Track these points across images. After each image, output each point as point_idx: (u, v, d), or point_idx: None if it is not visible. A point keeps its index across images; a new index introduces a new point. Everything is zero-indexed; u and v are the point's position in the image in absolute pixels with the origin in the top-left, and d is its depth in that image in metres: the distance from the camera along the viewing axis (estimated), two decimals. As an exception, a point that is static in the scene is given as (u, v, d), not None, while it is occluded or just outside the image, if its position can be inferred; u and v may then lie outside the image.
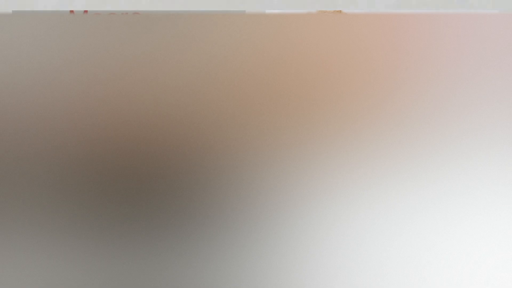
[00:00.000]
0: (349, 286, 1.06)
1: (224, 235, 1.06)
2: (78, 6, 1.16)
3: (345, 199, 1.06)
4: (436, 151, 1.06)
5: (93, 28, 1.06)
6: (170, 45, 1.06)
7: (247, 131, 1.06)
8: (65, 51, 1.06)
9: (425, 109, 1.06)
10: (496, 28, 1.07)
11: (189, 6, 1.18)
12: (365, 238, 1.06)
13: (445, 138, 1.06)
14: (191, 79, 1.06)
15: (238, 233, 1.06)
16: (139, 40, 1.06)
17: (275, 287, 1.06)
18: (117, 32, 1.06)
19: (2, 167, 1.05)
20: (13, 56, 1.06)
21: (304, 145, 1.06)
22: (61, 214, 1.05)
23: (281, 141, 1.06)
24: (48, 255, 1.05)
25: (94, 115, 1.06)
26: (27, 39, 1.06)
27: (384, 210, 1.06)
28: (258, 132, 1.06)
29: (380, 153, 1.06)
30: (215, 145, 1.06)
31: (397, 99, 1.07)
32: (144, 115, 1.06)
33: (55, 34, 1.06)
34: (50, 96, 1.06)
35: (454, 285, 1.06)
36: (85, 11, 1.07)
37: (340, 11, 1.08)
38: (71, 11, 1.07)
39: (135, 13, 1.07)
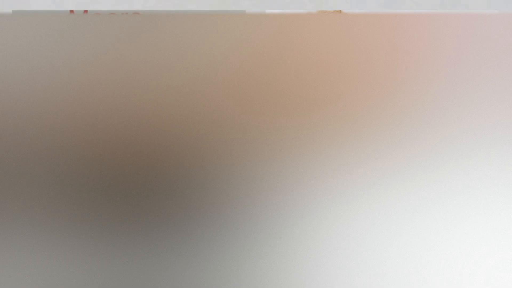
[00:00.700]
0: (349, 286, 1.06)
1: (224, 235, 1.06)
2: (74, 6, 1.16)
3: (345, 199, 1.06)
4: (436, 151, 1.06)
5: (93, 28, 1.06)
6: (170, 45, 1.06)
7: (247, 131, 1.06)
8: (65, 51, 1.06)
9: (425, 109, 1.06)
10: (496, 28, 1.07)
11: (189, 6, 1.18)
12: (365, 238, 1.06)
13: (445, 138, 1.06)
14: (191, 79, 1.06)
15: (238, 233, 1.06)
16: (139, 40, 1.06)
17: (275, 287, 1.06)
18: (117, 32, 1.06)
19: (2, 167, 1.05)
20: (13, 56, 1.06)
21: (304, 145, 1.06)
22: (61, 214, 1.05)
23: (281, 141, 1.06)
24: (48, 255, 1.05)
25: (94, 115, 1.06)
26: (27, 39, 1.06)
27: (384, 210, 1.06)
28: (258, 132, 1.06)
29: (380, 153, 1.06)
30: (215, 145, 1.06)
31: (397, 99, 1.07)
32: (144, 115, 1.06)
33: (55, 34, 1.06)
34: (50, 96, 1.06)
35: (454, 285, 1.06)
36: (85, 11, 1.07)
37: (340, 11, 1.08)
38: (71, 11, 1.07)
39: (135, 13, 1.07)
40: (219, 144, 1.06)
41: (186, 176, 1.06)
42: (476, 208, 1.06)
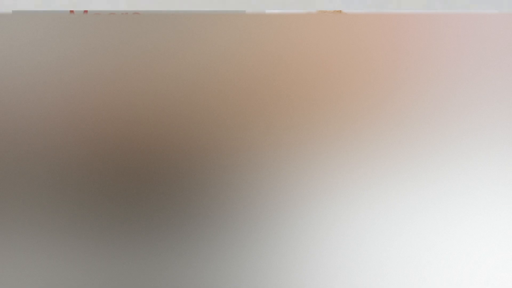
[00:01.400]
0: (349, 286, 1.06)
1: (224, 235, 1.06)
2: (72, 7, 1.16)
3: (345, 199, 1.06)
4: (436, 151, 1.06)
5: (93, 28, 1.06)
6: (170, 45, 1.06)
7: (247, 131, 1.06)
8: (65, 51, 1.06)
9: (425, 109, 1.06)
10: (496, 28, 1.07)
11: (189, 6, 1.18)
12: (365, 238, 1.06)
13: (445, 138, 1.06)
14: (191, 79, 1.06)
15: (238, 233, 1.06)
16: (139, 40, 1.06)
17: (275, 287, 1.06)
18: (117, 32, 1.06)
19: (2, 167, 1.05)
20: (13, 56, 1.06)
21: (304, 145, 1.06)
22: (61, 214, 1.05)
23: (281, 141, 1.06)
24: (48, 255, 1.05)
25: (94, 115, 1.06)
26: (27, 39, 1.06)
27: (384, 210, 1.06)
28: (258, 132, 1.06)
29: (380, 153, 1.06)
30: (215, 145, 1.06)
31: (397, 99, 1.07)
32: (144, 115, 1.06)
33: (55, 34, 1.06)
34: (50, 96, 1.06)
35: (454, 285, 1.06)
36: (85, 11, 1.07)
37: (340, 11, 1.08)
38: (71, 11, 1.07)
39: (135, 13, 1.07)
40: (219, 144, 1.06)
41: (186, 176, 1.06)
42: (476, 208, 1.06)
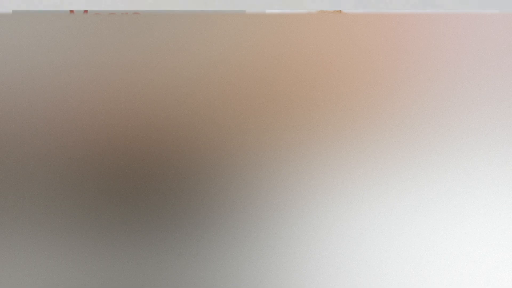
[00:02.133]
0: (349, 286, 1.06)
1: (224, 235, 1.06)
2: (77, 6, 1.16)
3: (345, 199, 1.06)
4: (436, 151, 1.06)
5: (93, 28, 1.06)
6: (170, 45, 1.06)
7: (247, 131, 1.06)
8: (65, 51, 1.06)
9: (425, 109, 1.06)
10: (496, 28, 1.07)
11: (189, 6, 1.18)
12: (365, 238, 1.06)
13: (445, 138, 1.06)
14: (191, 79, 1.06)
15: (238, 233, 1.06)
16: (139, 40, 1.06)
17: (275, 287, 1.06)
18: (117, 32, 1.06)
19: (2, 167, 1.05)
20: (13, 56, 1.06)
21: (304, 145, 1.06)
22: (61, 214, 1.06)
23: (281, 141, 1.06)
24: (48, 255, 1.05)
25: (94, 115, 1.06)
26: (27, 39, 1.06)
27: (384, 210, 1.06)
28: (258, 132, 1.06)
29: (380, 153, 1.06)
30: (215, 145, 1.06)
31: (397, 99, 1.07)
32: (144, 115, 1.06)
33: (55, 34, 1.06)
34: (50, 96, 1.06)
35: (454, 285, 1.06)
36: (85, 11, 1.07)
37: (340, 11, 1.08)
38: (71, 11, 1.07)
39: (135, 13, 1.07)
40: (219, 144, 1.06)
41: (186, 176, 1.06)
42: (476, 208, 1.06)
